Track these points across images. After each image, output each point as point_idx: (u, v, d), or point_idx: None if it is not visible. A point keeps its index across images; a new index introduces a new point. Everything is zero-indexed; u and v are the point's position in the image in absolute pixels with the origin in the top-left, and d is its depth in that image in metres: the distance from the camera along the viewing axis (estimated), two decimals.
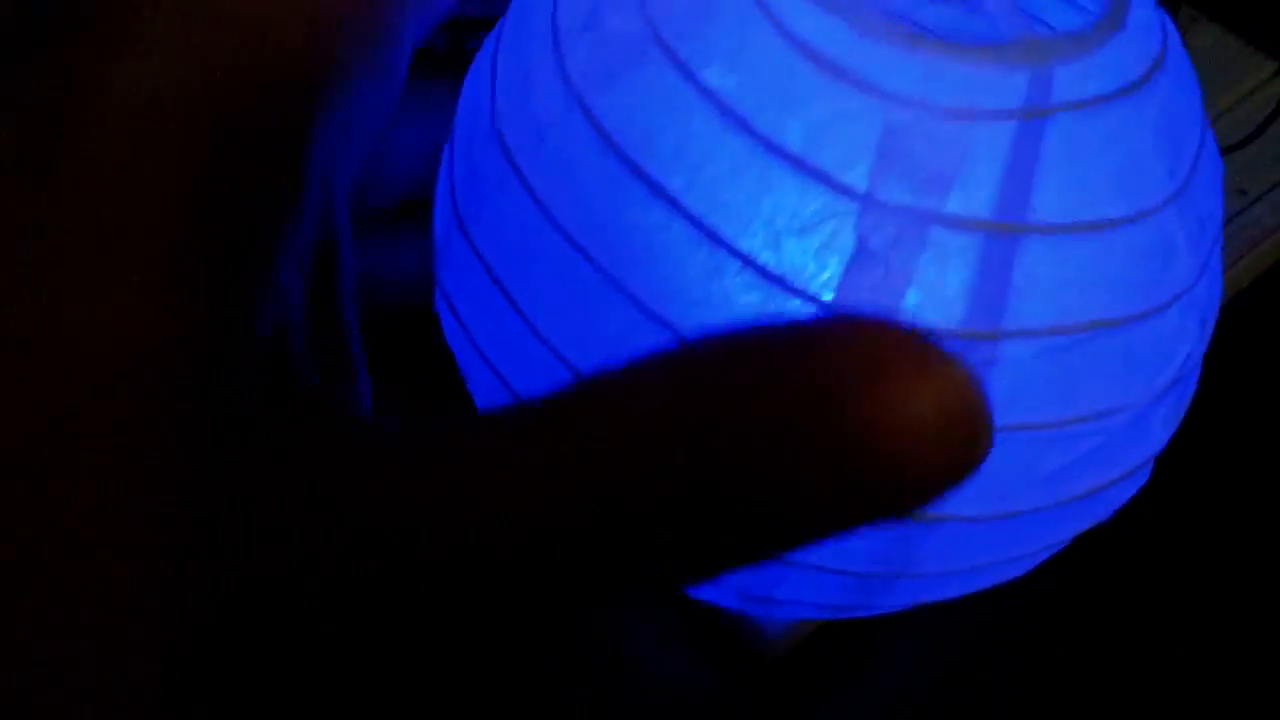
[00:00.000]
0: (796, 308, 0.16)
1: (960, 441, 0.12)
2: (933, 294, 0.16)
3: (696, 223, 0.16)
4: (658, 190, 0.16)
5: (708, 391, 0.13)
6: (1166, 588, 0.28)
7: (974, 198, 0.16)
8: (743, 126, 0.16)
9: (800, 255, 0.16)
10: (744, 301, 0.16)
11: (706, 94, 0.16)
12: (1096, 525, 0.19)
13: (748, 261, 0.16)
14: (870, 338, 0.12)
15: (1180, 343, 0.17)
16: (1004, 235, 0.16)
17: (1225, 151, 0.31)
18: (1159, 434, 0.18)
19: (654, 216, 0.16)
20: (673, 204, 0.16)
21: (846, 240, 0.16)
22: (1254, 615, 0.28)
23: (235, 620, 0.13)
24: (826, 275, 0.16)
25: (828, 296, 0.16)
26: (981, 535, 0.17)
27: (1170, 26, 0.18)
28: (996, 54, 0.16)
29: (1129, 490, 0.19)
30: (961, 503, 0.17)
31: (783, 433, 0.12)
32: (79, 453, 0.13)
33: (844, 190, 0.15)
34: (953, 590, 0.18)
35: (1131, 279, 0.16)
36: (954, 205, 0.16)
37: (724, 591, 0.19)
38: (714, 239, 0.16)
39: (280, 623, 0.13)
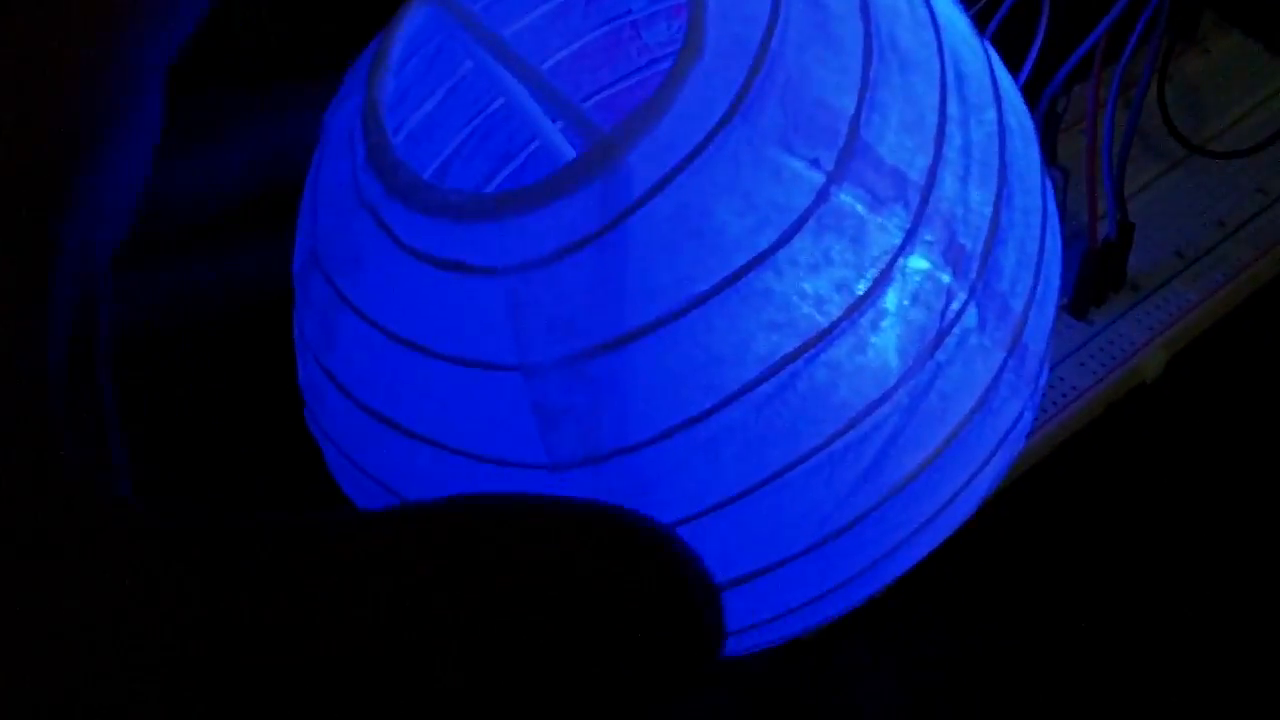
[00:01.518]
0: (528, 479, 0.17)
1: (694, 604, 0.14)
2: (618, 413, 0.16)
3: (427, 440, 0.17)
4: (394, 424, 0.18)
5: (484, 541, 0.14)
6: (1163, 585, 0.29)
7: (609, 319, 0.16)
8: (414, 347, 0.17)
9: (506, 436, 0.17)
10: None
11: (382, 329, 0.17)
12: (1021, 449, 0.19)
13: (472, 456, 0.17)
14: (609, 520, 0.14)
15: (932, 294, 0.17)
16: (650, 333, 0.16)
17: (1247, 154, 0.32)
18: (981, 371, 0.17)
19: (399, 448, 0.18)
20: (408, 433, 0.18)
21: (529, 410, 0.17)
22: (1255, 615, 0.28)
23: None
24: (534, 445, 0.17)
25: (548, 459, 0.17)
26: (827, 556, 0.18)
27: None
28: (570, 179, 0.16)
29: (1002, 421, 0.18)
30: (788, 544, 0.17)
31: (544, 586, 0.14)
32: None
33: (507, 368, 0.16)
34: (869, 588, 0.19)
35: (818, 290, 0.16)
36: (600, 333, 0.16)
37: None
38: (440, 448, 0.17)
39: None
